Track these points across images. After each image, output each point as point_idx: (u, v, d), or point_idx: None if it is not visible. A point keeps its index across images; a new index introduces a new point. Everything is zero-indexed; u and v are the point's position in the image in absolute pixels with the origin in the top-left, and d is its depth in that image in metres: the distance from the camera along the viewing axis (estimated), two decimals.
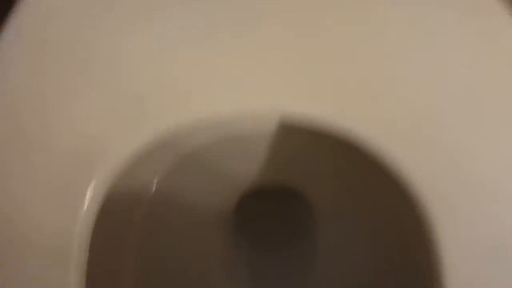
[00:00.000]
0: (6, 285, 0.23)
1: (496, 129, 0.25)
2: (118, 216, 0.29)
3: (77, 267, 0.22)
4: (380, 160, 0.24)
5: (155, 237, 0.33)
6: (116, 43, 0.26)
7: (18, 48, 0.26)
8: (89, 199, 0.23)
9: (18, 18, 0.27)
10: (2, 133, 0.25)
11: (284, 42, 0.27)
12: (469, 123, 0.25)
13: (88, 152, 0.24)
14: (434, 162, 0.24)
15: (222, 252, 0.36)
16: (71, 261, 0.22)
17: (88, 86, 0.26)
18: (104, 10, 0.27)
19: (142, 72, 0.26)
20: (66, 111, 0.25)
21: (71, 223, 0.23)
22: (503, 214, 0.24)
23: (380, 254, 0.32)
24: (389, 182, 0.25)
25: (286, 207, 0.39)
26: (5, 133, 0.25)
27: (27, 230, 0.23)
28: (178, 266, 0.34)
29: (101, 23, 0.27)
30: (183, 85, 0.26)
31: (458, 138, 0.24)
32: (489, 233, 0.23)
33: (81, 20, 0.27)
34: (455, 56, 0.26)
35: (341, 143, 0.25)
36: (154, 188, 0.32)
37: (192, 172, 0.32)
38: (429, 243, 0.23)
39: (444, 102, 0.25)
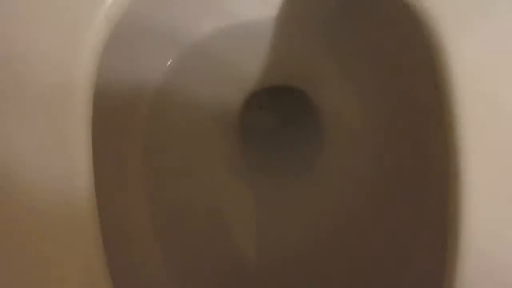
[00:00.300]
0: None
1: None
2: (122, 110, 0.30)
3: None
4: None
5: (160, 133, 0.33)
6: None
7: None
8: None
9: None
10: None
11: None
12: None
13: None
14: None
15: (226, 151, 0.36)
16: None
17: None
18: None
19: None
20: None
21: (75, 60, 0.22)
22: None
23: (386, 159, 0.33)
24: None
25: (291, 108, 0.40)
26: None
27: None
28: (181, 163, 0.35)
29: None
30: None
31: None
32: None
33: None
34: None
35: None
36: (160, 79, 0.32)
37: (199, 65, 0.33)
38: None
39: None
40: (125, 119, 0.31)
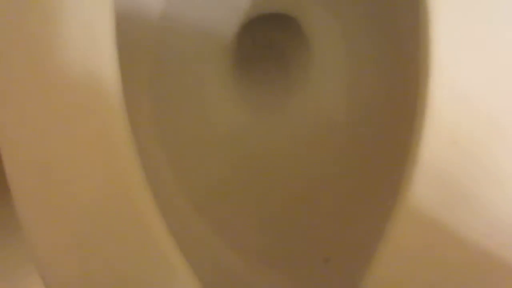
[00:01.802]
0: None
1: None
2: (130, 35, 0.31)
3: None
4: None
5: (164, 61, 0.36)
6: None
7: None
8: None
9: None
10: None
11: None
12: None
13: None
14: None
15: (222, 76, 0.40)
16: None
17: None
18: None
19: None
20: None
21: None
22: None
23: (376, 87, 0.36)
24: None
25: (283, 38, 0.44)
26: None
27: None
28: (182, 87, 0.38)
29: None
30: None
31: None
32: None
33: None
34: None
35: None
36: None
37: None
38: None
39: None
40: (133, 44, 0.34)
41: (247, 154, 0.39)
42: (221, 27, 0.39)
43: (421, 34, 0.26)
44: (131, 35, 0.33)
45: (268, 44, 0.44)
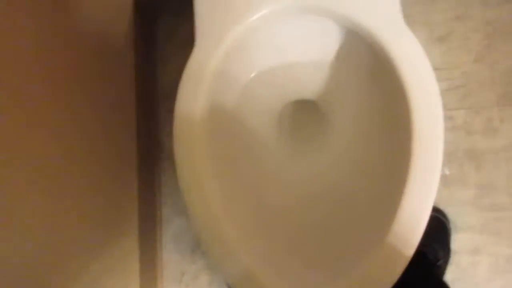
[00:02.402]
0: None
1: None
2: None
3: None
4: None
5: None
6: None
7: None
8: None
9: None
10: None
11: None
12: None
13: None
14: None
15: (275, 137, 0.65)
16: None
17: None
18: None
19: None
20: None
21: None
22: None
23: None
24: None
25: (312, 115, 0.67)
26: None
27: None
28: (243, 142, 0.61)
29: None
30: None
31: None
32: None
33: None
34: None
35: None
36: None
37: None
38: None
39: None
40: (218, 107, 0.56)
41: (293, 184, 0.60)
42: (274, 105, 0.63)
43: (407, 120, 0.47)
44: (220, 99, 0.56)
45: (304, 117, 0.67)
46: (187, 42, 0.88)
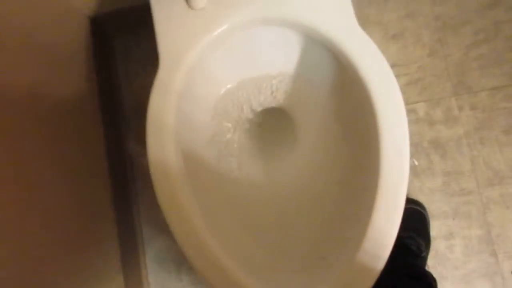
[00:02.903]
0: None
1: None
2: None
3: None
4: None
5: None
6: None
7: None
8: None
9: None
10: None
11: None
12: None
13: None
14: None
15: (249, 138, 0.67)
16: None
17: None
18: None
19: None
20: None
21: None
22: None
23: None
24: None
25: (282, 121, 0.69)
26: None
27: None
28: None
29: None
30: None
31: None
32: None
33: None
34: None
35: None
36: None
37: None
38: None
39: None
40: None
41: (264, 185, 0.61)
42: (245, 116, 0.64)
43: (372, 125, 0.49)
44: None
45: (274, 123, 0.69)
46: (147, 59, 0.88)
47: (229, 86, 0.65)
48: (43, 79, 0.62)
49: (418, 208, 0.79)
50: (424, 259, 0.77)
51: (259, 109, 0.66)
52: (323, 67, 0.59)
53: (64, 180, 0.62)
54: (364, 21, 0.87)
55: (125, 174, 0.84)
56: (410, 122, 0.83)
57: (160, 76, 0.52)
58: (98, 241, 0.70)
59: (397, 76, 0.85)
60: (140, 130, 0.86)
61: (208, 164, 0.61)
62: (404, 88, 0.84)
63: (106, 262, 0.71)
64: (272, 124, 0.68)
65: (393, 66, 0.85)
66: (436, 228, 0.80)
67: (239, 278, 0.47)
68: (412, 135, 0.83)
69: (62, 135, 0.64)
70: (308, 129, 0.66)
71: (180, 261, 0.82)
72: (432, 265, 0.79)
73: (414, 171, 0.82)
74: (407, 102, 0.84)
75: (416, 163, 0.82)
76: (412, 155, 0.82)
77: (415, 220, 0.77)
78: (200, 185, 0.55)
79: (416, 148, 0.82)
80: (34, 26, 0.61)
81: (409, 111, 0.84)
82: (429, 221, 0.79)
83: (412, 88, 0.84)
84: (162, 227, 0.83)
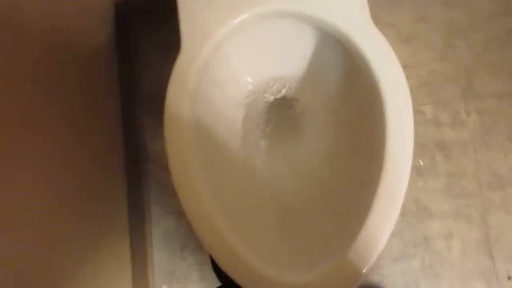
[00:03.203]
0: None
1: None
2: None
3: None
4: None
5: None
6: None
7: None
8: None
9: None
10: None
11: None
12: None
13: None
14: None
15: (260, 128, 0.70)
16: None
17: None
18: None
19: None
20: None
21: None
22: None
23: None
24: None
25: (289, 109, 0.71)
26: None
27: None
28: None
29: None
30: None
31: None
32: None
33: None
34: None
35: None
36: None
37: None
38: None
39: None
40: None
41: (270, 176, 0.64)
42: (255, 105, 0.67)
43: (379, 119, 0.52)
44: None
45: (283, 114, 0.71)
46: (167, 46, 0.91)
47: (245, 75, 0.67)
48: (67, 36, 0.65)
49: None
50: None
51: (271, 98, 0.68)
52: (335, 61, 0.62)
53: (82, 147, 0.66)
54: (377, 22, 0.89)
55: (137, 154, 0.87)
56: (417, 123, 0.85)
57: (181, 58, 0.55)
58: (110, 217, 0.73)
59: (408, 77, 0.87)
60: (154, 114, 0.89)
61: (219, 146, 0.64)
62: (413, 90, 0.86)
63: (115, 238, 0.74)
64: (281, 116, 0.71)
65: (404, 67, 0.86)
66: (435, 228, 0.82)
67: (239, 252, 0.50)
68: (419, 135, 0.85)
69: (81, 116, 0.68)
70: (317, 121, 0.68)
71: (185, 241, 0.85)
72: (430, 263, 0.81)
73: (418, 171, 0.84)
74: (416, 104, 0.85)
75: (422, 163, 0.84)
76: (418, 156, 0.85)
77: None
78: (211, 157, 0.58)
79: (422, 148, 0.84)
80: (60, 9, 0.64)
81: (418, 112, 0.86)
82: None
83: (422, 90, 0.86)
84: (170, 209, 0.86)
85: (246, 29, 0.58)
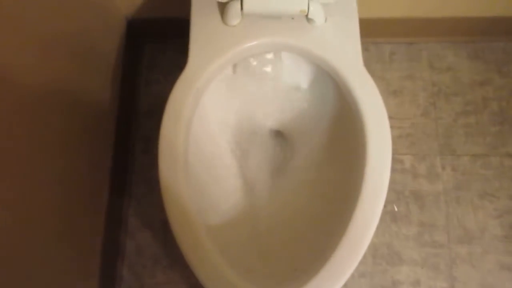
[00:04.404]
0: None
1: None
2: None
3: None
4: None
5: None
6: None
7: None
8: None
9: None
10: None
11: None
12: None
13: None
14: None
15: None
16: None
17: None
18: None
19: None
20: None
21: None
22: None
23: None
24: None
25: (282, 140, 0.77)
26: None
27: None
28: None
29: None
30: None
31: None
32: None
33: None
34: None
35: None
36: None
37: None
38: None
39: None
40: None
41: (262, 198, 0.67)
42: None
43: (363, 149, 0.56)
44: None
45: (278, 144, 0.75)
46: (171, 68, 0.96)
47: (242, 99, 0.71)
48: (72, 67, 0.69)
49: None
50: None
51: (262, 130, 0.73)
52: (326, 97, 0.67)
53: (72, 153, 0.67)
54: (370, 74, 0.97)
55: (126, 166, 0.89)
56: (396, 171, 0.90)
57: (185, 72, 0.59)
58: (85, 219, 0.73)
59: (392, 127, 0.92)
60: (146, 131, 0.92)
61: (207, 163, 0.67)
62: (395, 139, 0.92)
63: (87, 241, 0.73)
64: (270, 146, 0.75)
65: (389, 118, 0.93)
66: (404, 273, 0.84)
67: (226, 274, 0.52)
68: (396, 183, 0.89)
69: (73, 127, 0.70)
70: (304, 152, 0.72)
71: (157, 259, 0.84)
72: None
73: (393, 216, 0.87)
74: (396, 153, 0.91)
75: (396, 209, 0.88)
76: (394, 201, 0.88)
77: None
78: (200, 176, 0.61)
79: (398, 195, 0.88)
80: (75, 18, 0.68)
81: (397, 161, 0.90)
82: None
83: (403, 140, 0.92)
84: (148, 223, 0.87)
85: (249, 57, 0.63)
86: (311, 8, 0.58)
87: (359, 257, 0.53)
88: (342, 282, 0.52)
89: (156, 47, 0.98)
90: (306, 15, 0.59)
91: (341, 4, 0.63)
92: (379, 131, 0.59)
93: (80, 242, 0.70)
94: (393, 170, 0.90)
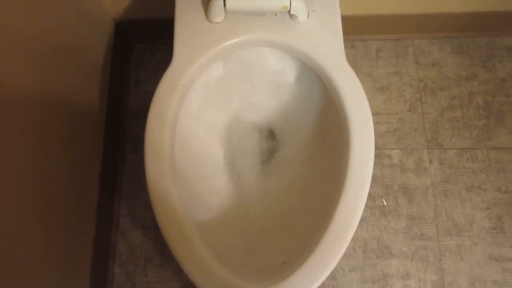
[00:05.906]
0: None
1: None
2: None
3: None
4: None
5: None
6: None
7: None
8: None
9: None
10: None
11: None
12: None
13: None
14: None
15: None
16: None
17: None
18: None
19: None
20: None
21: None
22: None
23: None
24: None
25: (270, 135, 0.77)
26: None
27: None
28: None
29: None
30: None
31: None
32: None
33: None
34: None
35: None
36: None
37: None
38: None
39: None
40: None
41: (252, 193, 0.68)
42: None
43: (346, 141, 0.57)
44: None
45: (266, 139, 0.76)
46: (159, 68, 0.96)
47: (229, 96, 0.72)
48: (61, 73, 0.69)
49: None
50: None
51: (249, 126, 0.74)
52: (312, 92, 0.68)
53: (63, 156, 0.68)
54: (357, 71, 0.98)
55: (116, 166, 0.89)
56: (384, 165, 0.91)
57: (170, 69, 0.60)
58: (77, 220, 0.74)
59: (379, 123, 0.94)
60: (136, 131, 0.92)
61: (198, 158, 0.67)
62: (383, 134, 0.93)
63: (79, 242, 0.74)
64: (258, 144, 0.76)
65: (376, 114, 0.95)
66: (394, 267, 0.85)
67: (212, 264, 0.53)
68: (385, 177, 0.90)
69: (63, 130, 0.70)
70: (290, 146, 0.73)
71: (149, 258, 0.85)
72: None
73: (382, 211, 0.88)
74: (384, 147, 0.92)
75: (385, 203, 0.88)
76: (382, 195, 0.89)
77: None
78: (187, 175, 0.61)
79: (387, 189, 0.89)
80: (62, 20, 0.69)
81: (385, 156, 0.91)
82: None
83: (391, 135, 0.93)
84: (139, 222, 0.87)
85: (234, 53, 0.64)
86: (293, 4, 0.59)
87: (344, 246, 0.53)
88: (328, 271, 0.52)
89: (145, 48, 0.99)
90: (289, 11, 0.60)
91: (323, 0, 0.64)
92: (362, 124, 0.59)
93: (71, 242, 0.71)
94: (381, 164, 0.91)
